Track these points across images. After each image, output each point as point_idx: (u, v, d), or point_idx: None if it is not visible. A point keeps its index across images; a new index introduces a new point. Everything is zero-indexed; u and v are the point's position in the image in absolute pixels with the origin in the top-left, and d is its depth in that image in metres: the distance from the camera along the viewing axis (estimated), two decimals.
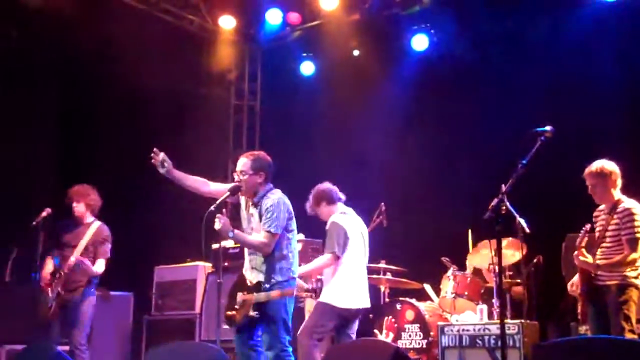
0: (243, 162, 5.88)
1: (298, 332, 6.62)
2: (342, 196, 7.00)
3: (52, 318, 7.23)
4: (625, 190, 6.10)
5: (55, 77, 9.33)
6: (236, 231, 5.75)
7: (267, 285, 5.70)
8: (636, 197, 6.22)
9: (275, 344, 5.66)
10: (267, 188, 5.92)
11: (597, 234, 6.10)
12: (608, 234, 6.00)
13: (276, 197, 5.87)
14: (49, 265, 7.36)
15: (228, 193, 5.74)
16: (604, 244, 6.02)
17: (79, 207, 7.51)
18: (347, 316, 6.64)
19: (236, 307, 5.71)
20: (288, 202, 5.94)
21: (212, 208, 5.59)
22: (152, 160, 5.86)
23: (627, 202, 5.99)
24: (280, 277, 5.75)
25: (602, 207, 6.16)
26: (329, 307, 6.57)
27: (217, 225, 5.59)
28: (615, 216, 5.96)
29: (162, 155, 5.86)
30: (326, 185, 7.04)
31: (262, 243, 5.70)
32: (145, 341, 8.99)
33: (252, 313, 5.64)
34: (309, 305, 7.63)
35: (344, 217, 6.83)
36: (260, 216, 5.79)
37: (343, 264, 6.65)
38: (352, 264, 6.70)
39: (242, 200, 6.00)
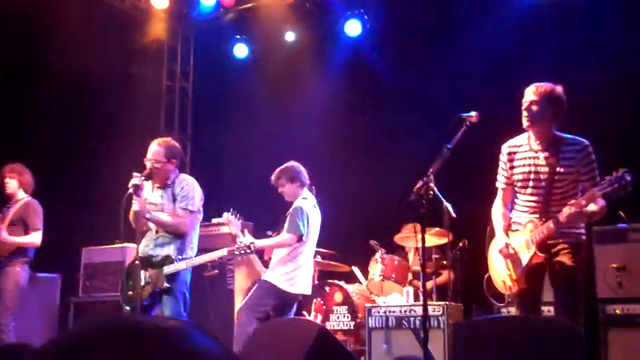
0: (156, 151, 6.03)
1: (238, 308, 6.71)
2: (307, 181, 7.06)
3: None
4: None
5: None
6: (152, 213, 5.90)
7: (178, 258, 5.94)
8: None
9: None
10: (176, 172, 6.18)
11: (520, 176, 5.24)
12: (557, 177, 5.06)
13: (190, 179, 6.19)
14: None
15: (143, 178, 5.90)
16: (548, 189, 5.10)
17: (11, 184, 7.42)
18: (289, 300, 6.74)
19: (142, 284, 5.78)
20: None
21: (130, 191, 5.81)
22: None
23: (579, 139, 5.11)
24: (190, 253, 6.09)
25: (518, 141, 5.29)
26: (274, 288, 6.64)
27: (135, 207, 5.73)
28: (566, 155, 5.05)
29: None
30: (300, 166, 7.07)
31: (180, 222, 5.94)
32: (72, 323, 8.87)
33: (166, 284, 5.83)
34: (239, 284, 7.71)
35: (307, 203, 6.92)
36: (174, 198, 5.92)
37: (300, 249, 6.75)
38: (308, 251, 6.84)
39: (147, 184, 6.10)
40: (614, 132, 7.90)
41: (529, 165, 5.20)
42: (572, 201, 4.90)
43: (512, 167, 5.30)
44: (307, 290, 6.88)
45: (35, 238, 7.36)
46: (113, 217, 7.90)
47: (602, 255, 7.02)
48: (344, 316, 7.81)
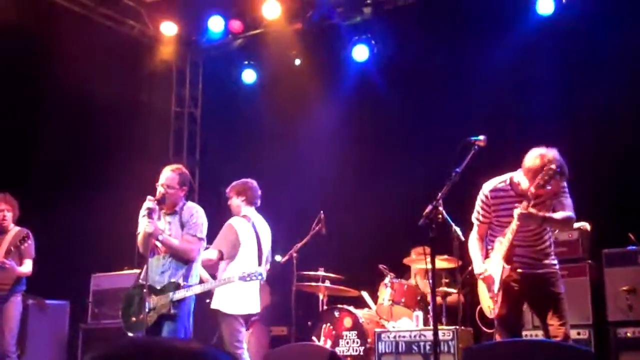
0: (170, 176, 6.05)
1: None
2: (258, 202, 7.10)
3: None
4: None
5: None
6: (165, 235, 5.90)
7: (184, 284, 5.93)
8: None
9: None
10: (183, 200, 6.21)
11: (504, 219, 5.40)
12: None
13: (198, 207, 6.21)
14: None
15: (156, 202, 5.92)
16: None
17: (9, 216, 7.50)
18: (244, 321, 6.70)
19: (147, 310, 5.77)
20: None
21: (143, 214, 5.85)
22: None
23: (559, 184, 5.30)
24: (194, 279, 6.09)
25: (501, 185, 5.44)
26: (227, 315, 6.60)
27: (149, 229, 5.72)
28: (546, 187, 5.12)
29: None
30: (255, 185, 7.09)
31: (189, 248, 5.96)
32: (81, 350, 8.85)
33: (172, 311, 5.81)
34: None
35: (243, 223, 6.86)
36: (182, 224, 5.92)
37: (232, 269, 6.60)
38: (239, 268, 6.60)
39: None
40: (621, 149, 7.95)
41: (511, 208, 5.29)
42: (517, 210, 5.14)
43: (495, 210, 5.46)
44: (256, 309, 6.79)
45: (31, 266, 7.45)
46: (122, 243, 7.97)
47: (612, 277, 6.99)
48: (354, 341, 7.76)
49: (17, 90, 9.22)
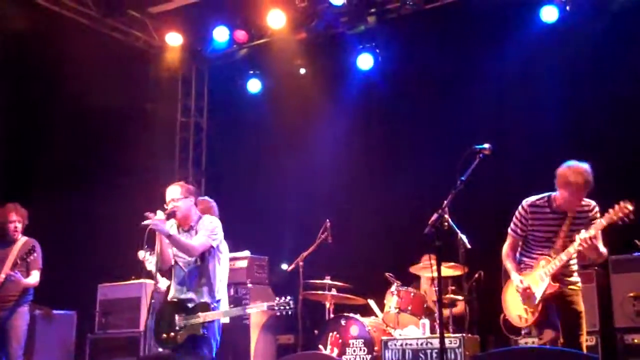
0: (174, 190, 6.04)
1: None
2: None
3: None
4: None
5: (1, 93, 9.22)
6: (173, 234, 5.83)
7: (213, 305, 5.88)
8: None
9: None
10: (198, 214, 6.13)
11: (540, 234, 5.67)
12: (570, 233, 5.52)
13: (214, 218, 6.15)
14: None
15: (165, 216, 5.83)
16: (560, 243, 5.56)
17: (19, 227, 7.52)
18: None
19: (177, 329, 5.79)
20: None
21: (146, 222, 5.71)
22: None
23: (589, 201, 5.62)
24: (221, 295, 6.05)
25: (541, 202, 5.64)
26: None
27: (161, 216, 5.69)
28: (581, 216, 5.54)
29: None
30: (212, 203, 6.98)
31: (193, 246, 5.83)
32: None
33: (202, 332, 5.76)
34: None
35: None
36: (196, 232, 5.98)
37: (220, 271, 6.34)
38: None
39: (174, 226, 6.10)
40: (629, 156, 7.96)
41: (549, 225, 5.61)
42: (582, 235, 5.31)
43: (532, 225, 5.68)
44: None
45: (38, 276, 7.48)
46: (129, 254, 7.99)
47: (619, 284, 6.99)
48: (361, 349, 7.75)
49: (26, 101, 9.29)
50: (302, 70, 10.53)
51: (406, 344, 6.95)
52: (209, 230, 5.95)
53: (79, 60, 8.94)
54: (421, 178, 8.65)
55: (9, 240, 7.50)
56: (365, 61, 9.99)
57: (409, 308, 7.81)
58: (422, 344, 6.86)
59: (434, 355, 6.69)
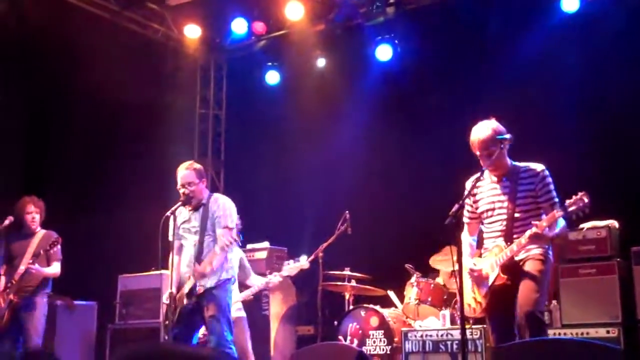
0: (186, 174, 6.12)
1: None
2: None
3: (5, 327, 7.26)
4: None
5: (20, 86, 9.28)
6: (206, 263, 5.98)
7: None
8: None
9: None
10: (207, 192, 6.25)
11: (485, 207, 5.44)
12: (517, 202, 5.27)
13: (223, 197, 6.26)
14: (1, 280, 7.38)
15: (180, 203, 6.00)
16: (510, 216, 5.29)
17: (37, 219, 7.57)
18: None
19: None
20: None
21: (168, 214, 5.90)
22: None
23: (534, 165, 5.39)
24: (231, 272, 6.21)
25: (479, 176, 5.37)
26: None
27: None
28: (524, 182, 5.30)
29: None
30: None
31: (224, 244, 5.87)
32: (109, 350, 8.93)
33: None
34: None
35: None
36: (209, 215, 5.95)
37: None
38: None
39: (183, 210, 6.16)
40: None
41: (491, 196, 5.39)
42: (535, 223, 5.05)
43: (475, 202, 5.49)
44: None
45: (59, 268, 7.53)
46: (149, 245, 8.04)
47: None
48: (381, 340, 7.77)
49: (44, 93, 9.34)
50: (321, 62, 10.50)
51: (426, 335, 6.96)
52: (226, 216, 6.07)
53: (97, 53, 8.97)
54: (441, 169, 8.61)
55: (27, 233, 7.56)
56: (384, 52, 9.94)
57: (429, 299, 7.81)
58: (442, 335, 6.86)
59: (455, 346, 6.69)
